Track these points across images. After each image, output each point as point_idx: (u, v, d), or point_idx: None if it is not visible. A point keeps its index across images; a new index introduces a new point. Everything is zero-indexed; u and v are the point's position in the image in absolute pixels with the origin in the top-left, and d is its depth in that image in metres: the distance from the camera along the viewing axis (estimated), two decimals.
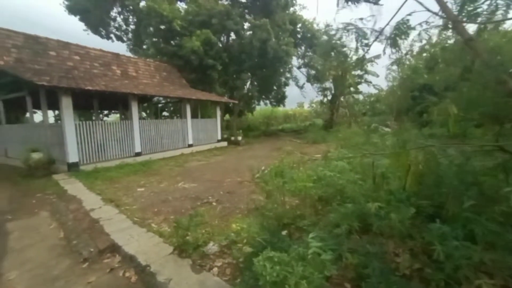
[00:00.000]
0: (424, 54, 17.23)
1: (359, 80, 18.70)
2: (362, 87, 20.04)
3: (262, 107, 25.73)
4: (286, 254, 1.74)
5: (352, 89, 20.30)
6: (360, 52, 3.09)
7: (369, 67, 18.05)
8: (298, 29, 20.29)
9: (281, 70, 18.34)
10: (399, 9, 2.08)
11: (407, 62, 17.81)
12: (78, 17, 16.97)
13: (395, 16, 2.26)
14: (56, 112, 14.24)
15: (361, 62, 18.06)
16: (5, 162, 9.51)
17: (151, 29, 16.05)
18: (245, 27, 16.85)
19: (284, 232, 2.85)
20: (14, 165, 8.46)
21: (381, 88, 18.53)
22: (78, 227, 3.23)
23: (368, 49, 2.69)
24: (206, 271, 2.21)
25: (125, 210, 3.84)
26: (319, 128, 19.10)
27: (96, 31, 18.06)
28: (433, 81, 11.10)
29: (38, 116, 12.24)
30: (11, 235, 3.24)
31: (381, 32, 2.33)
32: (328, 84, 23.30)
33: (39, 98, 7.66)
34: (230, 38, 17.58)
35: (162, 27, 14.23)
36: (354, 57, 18.21)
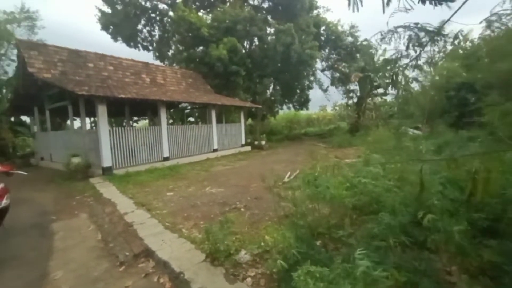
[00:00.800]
0: (460, 51, 16.05)
1: (388, 81, 17.84)
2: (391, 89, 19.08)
3: (284, 111, 25.58)
4: (327, 268, 1.63)
5: (379, 90, 19.47)
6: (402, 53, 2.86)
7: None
8: (322, 32, 19.98)
9: (305, 74, 18.10)
10: (460, 7, 1.87)
11: (440, 61, 16.73)
12: (110, 30, 18.27)
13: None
14: (92, 119, 15.25)
15: (395, 63, 17.23)
16: (49, 166, 10.36)
17: (177, 36, 16.77)
18: (268, 32, 16.95)
19: (317, 243, 2.73)
20: (57, 169, 9.16)
21: (412, 89, 17.50)
22: (113, 230, 3.36)
23: (422, 50, 2.48)
24: (239, 281, 2.16)
25: (156, 214, 3.94)
26: (345, 132, 18.48)
27: (127, 42, 19.28)
28: (474, 79, 10.24)
29: (78, 124, 13.27)
30: (56, 235, 3.45)
31: (439, 30, 2.13)
32: (353, 86, 22.65)
33: (78, 107, 8.27)
34: (254, 44, 17.78)
35: (190, 34, 14.78)
36: (382, 58, 17.41)
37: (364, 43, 19.70)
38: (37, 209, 4.66)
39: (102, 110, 7.33)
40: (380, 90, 19.64)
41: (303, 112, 28.84)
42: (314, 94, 21.87)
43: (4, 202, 2.80)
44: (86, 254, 2.87)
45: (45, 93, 9.70)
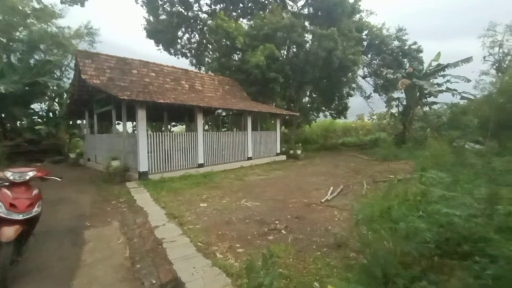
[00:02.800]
0: None
1: (439, 88, 15.86)
2: (444, 96, 16.97)
3: (320, 119, 24.44)
4: None
5: (430, 99, 17.45)
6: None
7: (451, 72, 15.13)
8: (364, 36, 18.77)
9: (345, 80, 17.04)
10: None
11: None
12: (154, 39, 19.39)
13: None
14: (134, 123, 16.09)
15: (443, 69, 15.38)
16: (94, 166, 10.96)
17: (215, 45, 17.10)
18: (307, 38, 16.39)
19: None
20: (100, 170, 9.58)
21: (471, 96, 15.22)
22: (142, 246, 3.05)
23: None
24: None
25: (188, 230, 3.57)
26: (389, 144, 16.83)
27: (166, 49, 20.29)
28: None
29: (121, 128, 14.09)
30: (87, 245, 3.26)
31: None
32: (397, 94, 20.76)
33: (121, 111, 8.57)
34: (292, 50, 17.33)
35: (226, 43, 14.92)
36: (434, 63, 15.67)
37: (413, 46, 18.01)
38: (75, 212, 4.65)
39: (141, 115, 7.42)
40: (430, 99, 17.63)
41: (340, 121, 27.37)
42: (352, 102, 20.51)
43: (35, 210, 2.64)
44: (111, 274, 2.56)
45: (94, 98, 10.35)
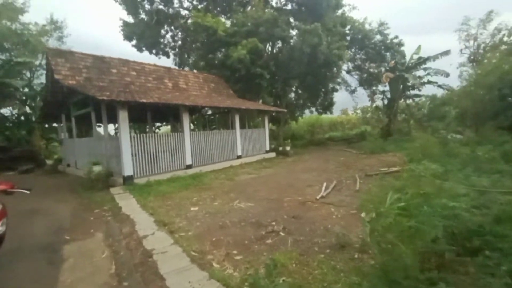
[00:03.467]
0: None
1: (422, 81, 16.29)
2: (426, 89, 17.47)
3: (306, 115, 24.54)
4: None
5: (413, 91, 17.92)
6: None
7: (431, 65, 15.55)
8: (347, 31, 18.91)
9: (330, 75, 17.11)
10: None
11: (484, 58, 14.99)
12: (133, 41, 18.57)
13: None
14: (117, 125, 15.38)
15: (424, 61, 15.79)
16: (74, 173, 10.31)
17: (198, 44, 16.62)
18: (292, 34, 16.26)
19: None
20: (81, 176, 9.00)
21: (451, 88, 15.70)
22: (130, 260, 2.76)
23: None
24: None
25: (180, 238, 3.31)
26: (375, 137, 17.14)
27: (149, 50, 19.50)
28: None
29: (102, 130, 13.37)
30: (66, 262, 2.93)
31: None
32: (381, 87, 21.18)
33: (101, 113, 8.05)
34: (277, 46, 17.16)
35: (207, 39, 14.52)
36: (415, 56, 16.02)
37: (395, 40, 18.35)
38: (53, 224, 4.24)
39: (123, 116, 6.98)
40: (414, 91, 18.12)
41: (326, 116, 27.66)
42: (336, 96, 20.69)
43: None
44: None
45: (71, 100, 9.71)
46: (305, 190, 5.98)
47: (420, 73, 16.48)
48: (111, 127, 13.62)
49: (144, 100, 7.10)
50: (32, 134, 15.18)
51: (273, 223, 3.84)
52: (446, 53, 14.94)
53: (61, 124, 12.11)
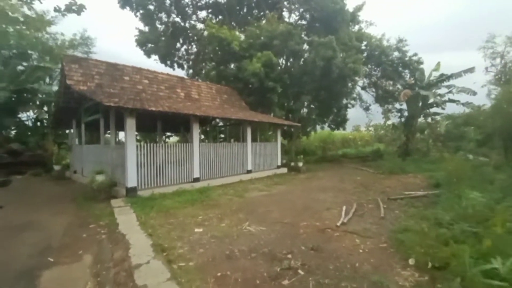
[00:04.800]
0: None
1: (444, 99, 15.51)
2: (449, 107, 16.63)
3: (317, 130, 23.95)
4: None
5: (433, 109, 17.09)
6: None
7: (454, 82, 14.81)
8: (364, 47, 18.57)
9: (345, 91, 16.63)
10: None
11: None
12: (145, 48, 18.82)
13: None
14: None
15: (447, 79, 15.09)
16: (80, 180, 10.05)
17: (211, 55, 16.66)
18: (306, 47, 16.05)
19: None
20: (85, 184, 8.70)
21: (475, 106, 14.75)
22: None
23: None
24: None
25: (179, 270, 2.78)
26: (393, 155, 16.28)
27: (163, 60, 19.75)
28: None
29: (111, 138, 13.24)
30: None
31: None
32: (398, 105, 20.46)
33: (110, 120, 7.82)
34: (290, 60, 16.98)
35: (223, 50, 14.48)
36: (435, 73, 15.33)
37: (414, 58, 17.80)
38: (41, 242, 3.80)
39: (130, 124, 6.68)
40: (433, 109, 17.28)
41: (338, 132, 26.95)
42: (349, 113, 20.06)
43: None
44: None
45: (82, 106, 9.62)
46: (322, 213, 5.35)
47: (442, 91, 15.77)
48: (122, 135, 13.52)
49: (153, 108, 6.80)
50: (46, 139, 15.29)
51: (289, 255, 3.24)
52: (470, 70, 14.23)
53: (72, 130, 12.05)
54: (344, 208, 5.59)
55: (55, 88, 16.50)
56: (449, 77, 14.28)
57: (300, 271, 2.83)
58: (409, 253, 3.07)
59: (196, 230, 4.24)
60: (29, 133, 15.23)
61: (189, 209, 5.65)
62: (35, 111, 15.19)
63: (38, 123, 15.85)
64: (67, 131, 15.28)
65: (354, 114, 22.56)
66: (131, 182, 6.62)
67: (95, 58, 9.73)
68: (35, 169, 12.10)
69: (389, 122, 25.89)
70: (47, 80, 15.97)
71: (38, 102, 15.39)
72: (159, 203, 5.99)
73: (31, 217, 5.01)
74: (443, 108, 15.73)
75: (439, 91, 15.76)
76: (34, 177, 11.29)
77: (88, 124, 10.32)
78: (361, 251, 3.43)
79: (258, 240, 3.78)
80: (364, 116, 23.29)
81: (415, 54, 17.61)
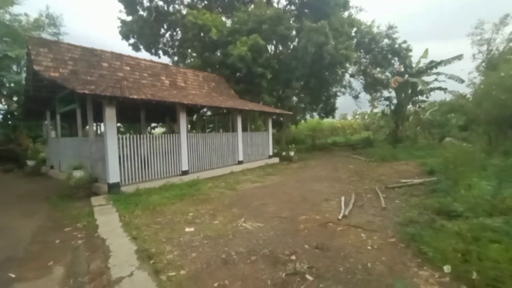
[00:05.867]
0: None
1: (431, 86, 15.55)
2: (435, 95, 16.78)
3: (307, 119, 23.78)
4: None
5: (421, 97, 17.20)
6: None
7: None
8: (354, 34, 18.19)
9: (337, 78, 16.32)
10: None
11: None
12: (131, 40, 17.70)
13: None
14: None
15: (436, 66, 15.08)
16: (57, 176, 9.29)
17: (195, 42, 15.76)
18: (295, 34, 15.47)
19: None
20: (63, 180, 8.01)
21: (460, 94, 14.87)
22: None
23: None
24: None
25: (169, 282, 2.37)
26: (383, 143, 16.33)
27: (147, 49, 18.59)
28: None
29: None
30: None
31: None
32: (388, 93, 20.50)
33: (91, 111, 7.09)
34: (280, 46, 16.37)
35: (203, 38, 13.74)
36: (423, 60, 15.21)
37: (403, 45, 17.62)
38: (3, 251, 3.27)
39: (110, 113, 6.03)
40: (422, 97, 17.39)
41: (326, 120, 26.92)
42: (338, 101, 19.91)
43: None
44: None
45: (56, 95, 8.74)
46: (321, 205, 5.07)
47: (429, 78, 15.79)
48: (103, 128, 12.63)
49: (135, 96, 6.16)
50: (18, 132, 14.12)
51: (293, 256, 2.91)
52: (459, 57, 14.26)
53: (46, 122, 11.09)
54: (343, 198, 5.34)
55: (24, 76, 15.17)
56: (438, 63, 14.25)
57: (308, 276, 2.50)
58: (422, 250, 2.82)
59: (186, 229, 3.82)
60: None
61: (178, 205, 5.21)
62: (3, 102, 13.92)
63: (9, 116, 14.59)
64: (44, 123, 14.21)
65: (341, 102, 22.47)
66: (113, 177, 6.05)
67: (68, 42, 8.74)
68: (6, 164, 11.12)
69: (376, 110, 26.08)
70: (15, 68, 14.57)
71: (5, 93, 14.07)
72: (145, 199, 5.51)
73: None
74: (427, 97, 15.81)
75: (428, 79, 15.78)
76: (5, 173, 10.37)
77: (64, 116, 9.47)
78: (369, 247, 3.15)
79: (257, 239, 3.43)
80: (351, 105, 23.26)
81: (405, 42, 17.48)
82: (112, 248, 3.05)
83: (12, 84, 13.44)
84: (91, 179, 6.39)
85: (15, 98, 14.57)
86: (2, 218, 4.64)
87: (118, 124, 19.44)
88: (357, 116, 37.55)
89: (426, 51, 15.73)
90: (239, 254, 2.98)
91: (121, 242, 3.23)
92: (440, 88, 15.00)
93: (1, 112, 14.81)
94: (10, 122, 14.43)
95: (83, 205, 5.27)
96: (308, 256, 2.94)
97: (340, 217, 4.29)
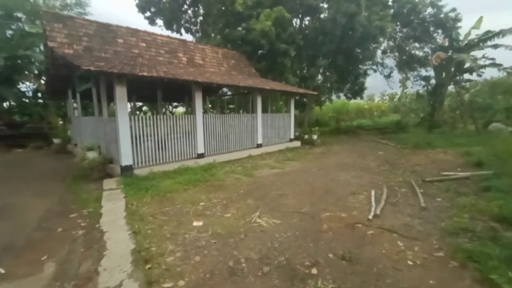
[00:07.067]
0: None
1: (483, 63, 13.40)
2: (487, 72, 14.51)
3: (333, 100, 22.26)
4: None
5: (471, 75, 15.01)
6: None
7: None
8: (390, 3, 16.04)
9: (368, 54, 14.71)
10: None
11: None
12: (148, 13, 17.04)
13: None
14: (132, 104, 14.29)
15: (493, 37, 12.79)
16: (79, 154, 9.47)
17: (218, 17, 14.82)
18: (323, 4, 13.90)
19: None
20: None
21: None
22: None
23: None
24: None
25: None
26: (417, 128, 14.81)
27: (168, 26, 17.93)
28: None
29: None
30: None
31: None
32: (425, 71, 18.34)
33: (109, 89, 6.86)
34: (306, 19, 14.93)
35: (228, 10, 12.72)
36: (474, 31, 13.01)
37: (451, 14, 15.21)
38: (5, 238, 3.12)
39: (121, 92, 5.69)
40: (466, 76, 15.22)
41: (352, 102, 25.14)
42: (367, 81, 18.17)
43: None
44: None
45: (74, 73, 8.63)
46: (347, 200, 4.45)
47: (479, 53, 13.60)
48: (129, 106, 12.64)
49: (145, 73, 5.73)
50: (48, 110, 14.69)
51: (314, 270, 2.40)
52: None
53: (69, 101, 11.25)
54: (372, 193, 4.66)
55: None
56: (497, 34, 11.98)
57: None
58: (487, 275, 2.17)
59: (194, 223, 3.45)
60: (30, 104, 14.58)
61: (190, 192, 4.88)
62: (32, 81, 14.37)
63: (39, 94, 15.14)
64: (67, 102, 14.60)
65: (369, 82, 20.57)
66: (126, 159, 5.85)
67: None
68: (36, 142, 11.63)
69: (407, 91, 23.69)
70: (42, 47, 14.86)
71: (36, 72, 14.49)
72: (156, 184, 5.25)
73: (8, 199, 4.38)
74: (479, 75, 13.68)
75: (478, 53, 13.59)
76: (36, 150, 10.85)
77: (84, 94, 9.44)
78: (410, 263, 2.54)
79: (272, 241, 2.95)
80: (379, 85, 21.31)
81: (453, 10, 15.05)
82: (108, 245, 2.74)
83: (37, 64, 13.72)
84: (106, 160, 6.27)
85: (43, 77, 15.03)
86: (18, 197, 4.62)
87: (141, 104, 19.70)
88: (385, 98, 34.86)
89: (480, 20, 13.26)
90: (250, 262, 2.53)
91: (120, 238, 2.92)
92: (494, 65, 12.86)
93: (32, 91, 15.41)
94: (40, 101, 14.99)
95: (95, 188, 5.15)
96: (332, 269, 2.41)
97: (370, 216, 3.67)
